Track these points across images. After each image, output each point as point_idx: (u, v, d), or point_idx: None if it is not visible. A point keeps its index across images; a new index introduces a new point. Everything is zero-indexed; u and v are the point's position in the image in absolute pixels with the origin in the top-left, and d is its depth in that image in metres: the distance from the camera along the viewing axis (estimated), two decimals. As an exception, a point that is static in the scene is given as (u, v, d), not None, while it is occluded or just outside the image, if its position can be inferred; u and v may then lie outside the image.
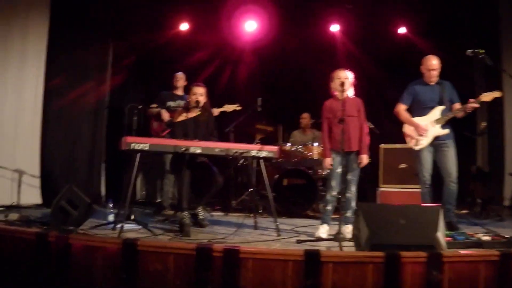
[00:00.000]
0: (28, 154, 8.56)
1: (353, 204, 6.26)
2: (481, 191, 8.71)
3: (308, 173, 8.86)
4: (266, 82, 11.41)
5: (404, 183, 9.02)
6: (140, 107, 7.04)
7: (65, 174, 9.16)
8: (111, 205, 6.98)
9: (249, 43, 11.54)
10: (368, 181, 8.92)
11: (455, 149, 6.76)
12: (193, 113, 7.05)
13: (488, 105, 7.59)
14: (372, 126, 8.62)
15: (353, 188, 6.30)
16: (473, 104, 6.56)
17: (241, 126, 9.14)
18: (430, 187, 6.74)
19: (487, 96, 6.53)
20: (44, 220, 6.19)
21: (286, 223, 7.54)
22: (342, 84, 6.13)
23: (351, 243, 5.20)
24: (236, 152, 6.44)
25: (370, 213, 4.87)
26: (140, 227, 6.32)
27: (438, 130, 6.72)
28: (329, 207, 6.34)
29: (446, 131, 6.72)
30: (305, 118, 10.07)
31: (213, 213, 8.55)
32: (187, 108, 7.10)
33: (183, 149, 6.17)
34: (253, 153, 6.56)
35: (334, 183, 6.29)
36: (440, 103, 6.79)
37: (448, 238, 5.28)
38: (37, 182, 8.61)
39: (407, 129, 6.96)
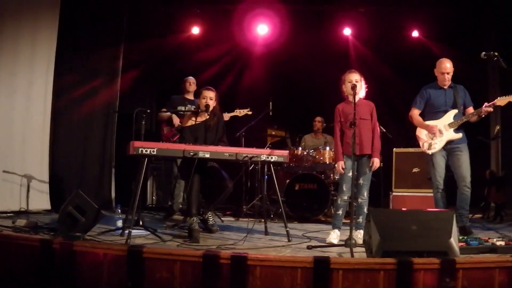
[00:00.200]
0: (37, 159, 8.51)
1: (365, 209, 6.15)
2: (495, 195, 8.58)
3: (320, 178, 8.76)
4: (278, 86, 11.33)
5: (417, 188, 8.90)
6: (148, 111, 6.95)
7: (75, 179, 9.11)
8: (119, 211, 6.91)
9: (260, 47, 11.46)
10: (381, 185, 8.79)
11: (469, 153, 6.64)
12: (202, 118, 6.98)
13: (502, 109, 7.48)
14: (384, 130, 8.52)
15: (365, 193, 6.19)
16: (487, 108, 6.45)
17: (252, 130, 9.08)
18: (443, 191, 6.63)
19: (502, 100, 6.42)
20: (52, 226, 6.14)
21: (297, 228, 7.46)
22: (354, 87, 6.01)
23: (363, 249, 5.10)
24: (245, 156, 6.35)
25: (381, 219, 4.77)
26: (149, 233, 6.25)
27: (451, 134, 6.61)
28: (340, 212, 6.23)
29: (460, 135, 6.61)
30: (319, 122, 10.00)
31: (223, 218, 8.46)
32: (196, 112, 7.02)
33: (192, 153, 6.08)
34: (263, 157, 6.46)
35: (345, 187, 6.18)
36: (453, 107, 6.70)
37: (462, 243, 5.18)
38: (46, 187, 8.56)
39: (420, 133, 6.87)
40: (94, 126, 9.51)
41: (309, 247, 5.62)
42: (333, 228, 6.21)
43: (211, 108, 6.90)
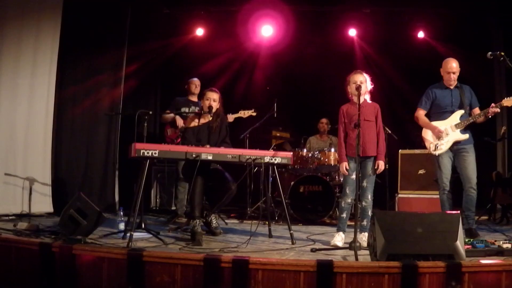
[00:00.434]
0: (39, 162, 8.49)
1: (369, 212, 6.07)
2: (501, 197, 8.49)
3: (325, 180, 8.70)
4: (283, 87, 11.28)
5: (423, 189, 8.83)
6: (150, 113, 6.89)
7: (78, 182, 9.11)
8: (122, 213, 6.86)
9: (265, 48, 11.41)
10: (387, 187, 8.72)
11: (475, 154, 6.56)
12: (206, 119, 6.92)
13: (509, 109, 7.41)
14: (389, 131, 8.46)
15: (369, 196, 6.11)
16: (494, 109, 6.39)
17: (257, 132, 9.02)
18: (449, 193, 6.55)
19: (509, 101, 6.36)
20: (53, 229, 6.11)
21: (301, 230, 7.41)
22: (358, 88, 5.93)
23: (368, 252, 5.04)
24: (249, 158, 6.27)
25: (386, 221, 4.69)
26: (151, 235, 6.19)
27: (458, 135, 6.54)
28: (344, 215, 6.16)
29: (466, 136, 6.54)
30: (324, 123, 9.93)
31: (227, 221, 8.41)
32: (199, 114, 6.97)
33: (194, 155, 6.02)
34: (267, 159, 6.39)
35: (349, 190, 6.12)
36: (460, 108, 6.63)
37: (468, 246, 5.11)
38: (48, 190, 8.54)
39: (426, 134, 6.79)
40: (98, 128, 9.49)
41: (313, 250, 5.54)
42: (338, 230, 6.14)
43: (214, 110, 6.83)
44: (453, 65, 6.61)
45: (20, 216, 7.70)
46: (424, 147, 6.92)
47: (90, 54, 9.29)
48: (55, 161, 8.80)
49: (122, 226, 6.56)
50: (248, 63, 11.63)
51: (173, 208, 9.10)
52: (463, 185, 6.50)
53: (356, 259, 4.82)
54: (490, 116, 6.49)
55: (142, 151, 5.79)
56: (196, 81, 8.74)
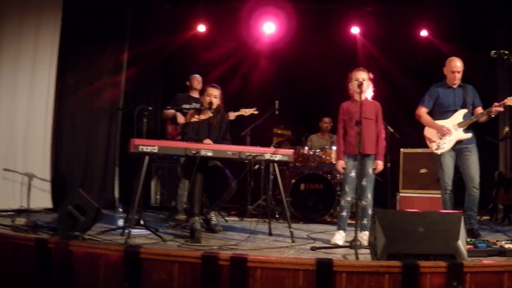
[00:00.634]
0: (39, 158, 8.45)
1: (370, 211, 6.00)
2: (503, 197, 8.44)
3: (326, 178, 8.65)
4: (284, 85, 11.21)
5: (424, 189, 8.77)
6: (150, 109, 6.84)
7: (78, 178, 9.07)
8: (121, 210, 6.81)
9: (267, 45, 11.35)
10: (388, 186, 8.67)
11: (478, 154, 6.51)
12: (206, 115, 6.87)
13: (511, 109, 7.35)
14: (391, 130, 8.41)
15: (369, 195, 6.03)
16: (497, 108, 6.34)
17: (258, 130, 8.97)
18: (451, 192, 6.51)
19: None
20: (52, 225, 6.05)
21: (302, 229, 7.36)
22: (360, 85, 5.87)
23: (368, 250, 4.98)
24: (249, 155, 6.22)
25: (387, 220, 4.64)
26: (150, 232, 6.15)
27: (461, 134, 6.49)
28: (344, 213, 6.10)
29: (469, 135, 6.50)
30: (326, 123, 9.90)
31: (228, 218, 8.36)
32: (199, 110, 6.91)
33: (194, 152, 5.96)
34: (267, 156, 6.34)
35: (348, 188, 6.05)
36: (463, 107, 6.59)
37: (470, 246, 5.05)
38: (48, 186, 8.50)
39: (428, 132, 6.74)
40: (98, 124, 9.46)
41: (313, 249, 5.49)
42: (338, 229, 6.09)
43: (214, 106, 6.78)
44: (457, 64, 6.56)
45: (19, 212, 7.64)
46: (426, 146, 6.86)
47: (90, 50, 9.25)
48: (55, 157, 8.76)
49: (121, 222, 6.52)
50: (250, 60, 11.56)
51: (173, 205, 9.04)
52: (466, 184, 6.46)
53: (357, 258, 4.77)
54: (493, 116, 6.44)
55: (140, 147, 5.76)
56: (198, 77, 8.71)
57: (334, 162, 8.84)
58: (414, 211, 4.91)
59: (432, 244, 4.47)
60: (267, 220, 6.97)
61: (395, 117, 9.32)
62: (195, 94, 8.56)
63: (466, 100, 6.58)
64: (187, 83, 8.71)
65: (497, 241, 5.36)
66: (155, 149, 5.81)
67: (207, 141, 6.54)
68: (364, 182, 6.01)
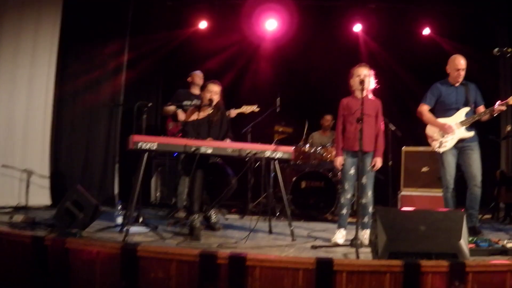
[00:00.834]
0: (38, 154, 8.43)
1: (370, 209, 5.95)
2: (505, 195, 8.37)
3: (327, 176, 8.59)
4: (286, 82, 11.15)
5: (426, 187, 8.70)
6: (149, 104, 6.79)
7: (77, 175, 9.04)
8: (120, 207, 6.76)
9: (269, 42, 11.29)
10: (389, 184, 8.60)
11: (480, 152, 6.45)
12: (206, 112, 6.81)
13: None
14: (393, 128, 8.35)
15: (369, 193, 5.96)
16: (500, 107, 6.32)
17: (259, 127, 8.92)
18: (453, 191, 6.46)
19: None
20: (50, 222, 6.00)
21: (303, 227, 7.31)
22: (362, 82, 5.80)
23: (369, 249, 4.93)
24: (249, 152, 6.17)
25: (388, 219, 4.59)
26: (149, 230, 6.10)
27: (463, 133, 6.46)
28: (344, 211, 6.04)
29: (471, 133, 6.47)
30: (328, 120, 9.83)
31: (228, 216, 8.31)
32: (199, 107, 6.85)
33: (193, 149, 5.91)
34: (268, 153, 6.29)
35: (348, 186, 6.00)
36: (465, 105, 6.56)
37: (471, 245, 5.00)
38: (47, 182, 8.48)
39: (430, 130, 6.69)
40: (98, 120, 9.42)
41: (313, 247, 5.46)
42: (339, 227, 6.03)
43: (215, 103, 6.73)
44: (461, 62, 6.53)
45: (18, 209, 7.63)
46: (428, 144, 6.81)
47: (91, 46, 9.19)
48: (54, 153, 8.73)
49: (120, 219, 6.46)
50: (252, 57, 11.50)
51: (173, 202, 9.00)
52: (468, 183, 6.43)
53: (357, 257, 4.72)
54: (495, 114, 6.40)
55: (140, 144, 5.70)
56: (200, 73, 8.66)
57: (335, 160, 8.81)
58: (415, 210, 4.86)
59: (434, 243, 4.43)
60: (267, 218, 6.92)
61: (397, 115, 9.24)
62: (196, 91, 8.50)
63: (468, 98, 6.54)
64: (188, 79, 8.65)
65: (499, 240, 5.32)
66: (154, 146, 5.75)
67: (210, 140, 6.49)
68: (363, 180, 5.94)
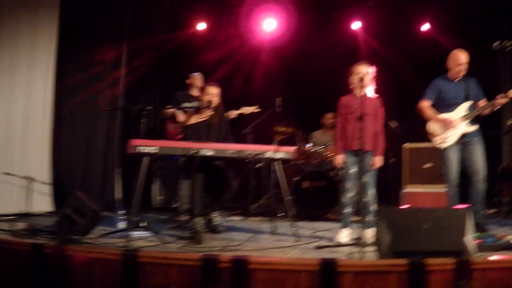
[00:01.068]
0: (38, 160, 8.41)
1: (373, 207, 5.90)
2: (508, 190, 8.34)
3: (328, 175, 8.54)
4: (286, 82, 11.13)
5: (429, 184, 8.66)
6: (148, 108, 6.75)
7: (78, 180, 9.06)
8: (121, 212, 6.72)
9: (268, 42, 11.26)
10: (392, 182, 8.56)
11: (483, 146, 6.41)
12: (205, 114, 6.77)
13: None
14: (394, 125, 8.31)
15: (370, 191, 5.93)
16: (501, 100, 6.25)
17: (259, 128, 8.89)
18: (457, 187, 6.39)
19: None
20: (51, 229, 5.93)
21: (306, 227, 7.26)
22: (361, 79, 5.75)
23: (373, 248, 4.87)
24: (250, 154, 6.12)
25: (392, 218, 4.54)
26: (151, 234, 6.05)
27: (465, 127, 6.41)
28: (347, 210, 6.00)
29: (474, 127, 6.38)
30: (329, 119, 9.77)
31: (231, 218, 8.27)
32: (198, 109, 6.82)
33: (194, 151, 5.86)
34: (268, 154, 6.24)
35: (349, 185, 5.96)
36: (466, 100, 6.51)
37: (477, 241, 4.93)
38: (48, 188, 8.45)
39: (432, 126, 6.63)
40: (98, 124, 9.44)
41: (317, 247, 5.40)
42: (342, 227, 5.98)
43: (214, 105, 6.70)
44: (463, 57, 6.48)
45: (20, 216, 7.59)
46: (430, 141, 6.76)
47: (89, 49, 9.19)
48: (54, 159, 8.70)
49: (121, 225, 6.42)
50: (251, 58, 11.47)
51: (175, 205, 8.95)
52: (471, 178, 6.37)
53: (362, 256, 4.66)
54: (496, 108, 6.38)
55: (139, 148, 5.65)
56: (197, 75, 8.64)
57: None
58: (419, 208, 4.82)
59: (438, 241, 4.38)
60: (270, 219, 6.87)
61: (397, 112, 9.22)
62: (196, 93, 8.46)
63: (468, 93, 6.49)
64: (188, 81, 8.62)
65: (504, 235, 5.27)
66: (153, 150, 5.71)
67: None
68: (365, 179, 5.89)
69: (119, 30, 9.59)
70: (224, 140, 6.77)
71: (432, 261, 4.08)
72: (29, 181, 8.01)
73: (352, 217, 6.12)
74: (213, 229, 6.71)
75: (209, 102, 6.68)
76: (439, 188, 7.98)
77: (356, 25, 11.16)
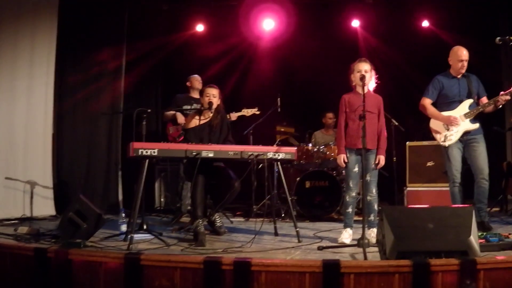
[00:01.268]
0: (40, 165, 8.41)
1: (375, 206, 5.88)
2: (512, 188, 8.31)
3: (331, 175, 8.52)
4: (286, 82, 11.09)
5: (432, 182, 8.61)
6: (149, 111, 6.72)
7: (81, 183, 9.05)
8: (123, 215, 6.71)
9: (267, 42, 11.23)
10: (395, 180, 8.52)
11: (485, 144, 6.40)
12: (206, 116, 6.75)
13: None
14: (396, 123, 8.28)
15: (373, 190, 5.89)
16: (505, 97, 6.22)
17: (260, 128, 8.86)
18: (460, 185, 6.39)
19: None
20: (54, 233, 5.94)
21: (308, 227, 7.24)
22: (363, 77, 5.69)
23: (377, 248, 4.83)
24: (251, 154, 6.09)
25: (395, 217, 4.49)
26: (153, 237, 6.04)
27: (468, 125, 6.38)
28: (349, 210, 5.95)
29: (476, 125, 6.39)
30: (330, 118, 9.72)
31: (233, 219, 8.24)
32: (199, 111, 6.80)
33: (194, 153, 5.84)
34: (270, 155, 6.21)
35: (352, 184, 5.92)
36: (468, 97, 6.48)
37: (481, 240, 4.89)
38: (50, 192, 8.45)
39: (434, 124, 6.61)
40: (99, 128, 9.42)
41: (320, 248, 5.36)
42: (345, 227, 5.94)
43: (214, 106, 6.67)
44: (464, 53, 6.45)
45: (22, 220, 7.58)
46: (432, 138, 6.73)
47: (88, 53, 9.19)
48: (56, 163, 8.71)
49: (123, 227, 6.41)
50: (250, 58, 11.45)
51: (178, 207, 8.94)
52: (475, 176, 6.34)
53: (365, 257, 4.62)
54: (500, 105, 6.33)
55: (140, 151, 5.62)
56: (198, 77, 8.63)
57: (338, 158, 8.74)
58: (423, 207, 4.77)
59: (443, 240, 4.33)
60: (273, 219, 6.85)
61: (399, 110, 9.19)
62: (195, 95, 8.45)
63: (471, 90, 6.46)
64: (187, 84, 8.61)
65: (510, 234, 5.22)
66: (155, 152, 5.68)
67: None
68: (368, 177, 5.83)
69: (118, 34, 9.60)
70: (225, 141, 6.74)
71: (436, 261, 4.05)
72: (31, 185, 8.01)
73: (355, 216, 6.09)
74: (215, 230, 6.68)
75: (210, 103, 6.65)
76: (443, 186, 7.95)
77: (355, 23, 11.13)
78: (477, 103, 6.47)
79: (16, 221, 7.46)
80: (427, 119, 6.71)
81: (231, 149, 6.10)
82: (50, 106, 8.52)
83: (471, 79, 6.52)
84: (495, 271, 4.02)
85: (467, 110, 6.39)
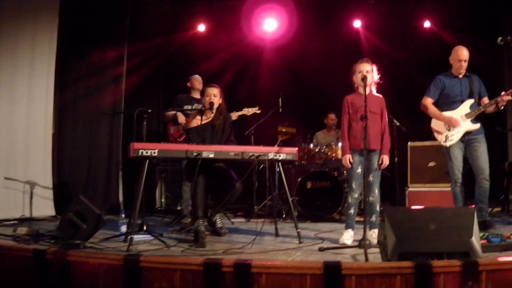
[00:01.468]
0: (40, 165, 8.40)
1: (377, 207, 5.85)
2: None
3: (333, 175, 8.50)
4: (288, 82, 11.06)
5: (434, 182, 8.59)
6: (149, 111, 6.69)
7: (81, 184, 9.05)
8: (123, 215, 6.68)
9: (269, 42, 11.21)
10: (396, 181, 8.49)
11: (486, 144, 6.39)
12: (208, 116, 6.73)
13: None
14: (398, 123, 8.25)
15: (376, 190, 5.86)
16: (506, 97, 6.21)
17: (262, 128, 8.83)
18: (461, 185, 6.37)
19: None
20: (54, 234, 5.92)
21: (310, 228, 7.21)
22: (364, 78, 5.66)
23: (378, 249, 4.79)
24: (252, 155, 6.06)
25: (397, 218, 4.46)
26: (154, 238, 6.01)
27: (469, 125, 6.36)
28: (351, 211, 5.92)
29: (477, 125, 6.38)
30: (332, 119, 9.69)
31: (234, 220, 8.23)
32: (201, 111, 6.77)
33: (195, 154, 5.81)
34: (271, 155, 6.18)
35: (355, 185, 5.89)
36: (469, 97, 6.47)
37: (483, 241, 4.87)
38: (50, 193, 8.45)
39: (436, 124, 6.59)
40: (100, 128, 9.42)
41: (321, 249, 5.32)
42: (346, 228, 5.91)
43: (216, 105, 6.65)
44: (464, 53, 6.43)
45: (22, 221, 7.57)
46: (434, 139, 6.71)
47: (89, 53, 9.20)
48: (57, 163, 8.69)
49: (124, 228, 6.39)
50: (252, 58, 11.44)
51: (179, 208, 8.91)
52: (476, 176, 6.32)
53: (366, 258, 4.59)
54: (501, 106, 6.31)
55: (140, 151, 5.60)
56: (199, 77, 8.60)
57: (340, 159, 8.68)
58: (425, 208, 4.74)
59: (445, 241, 4.29)
60: (274, 220, 6.82)
61: (401, 110, 9.16)
62: (197, 95, 8.43)
63: (472, 90, 6.45)
64: (188, 84, 8.57)
65: (511, 234, 5.19)
66: (155, 153, 5.65)
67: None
68: (370, 178, 5.83)
69: (119, 34, 9.60)
70: (227, 141, 6.71)
71: (438, 263, 4.02)
72: (31, 185, 7.99)
73: (356, 217, 6.06)
74: (216, 231, 6.65)
75: (211, 103, 6.63)
76: (444, 187, 7.92)
77: (357, 23, 11.11)
78: (478, 103, 6.45)
79: (15, 222, 7.46)
80: (428, 119, 6.69)
81: (232, 150, 6.07)
82: (50, 106, 8.52)
83: (472, 79, 6.51)
84: (497, 273, 3.98)
85: (468, 110, 6.38)
